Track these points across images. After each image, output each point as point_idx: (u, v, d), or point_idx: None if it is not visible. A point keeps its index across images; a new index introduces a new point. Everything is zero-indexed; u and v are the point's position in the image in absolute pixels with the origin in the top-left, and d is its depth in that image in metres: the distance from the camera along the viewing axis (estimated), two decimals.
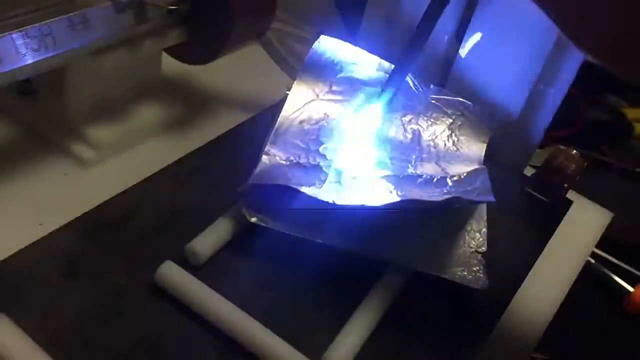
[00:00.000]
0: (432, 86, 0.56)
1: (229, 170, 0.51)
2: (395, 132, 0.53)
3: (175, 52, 0.57)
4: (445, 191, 0.48)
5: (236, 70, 0.62)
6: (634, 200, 0.80)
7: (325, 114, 0.53)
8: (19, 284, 0.41)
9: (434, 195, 0.47)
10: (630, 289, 0.72)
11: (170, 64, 0.58)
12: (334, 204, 0.46)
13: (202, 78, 0.63)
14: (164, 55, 0.57)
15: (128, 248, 0.45)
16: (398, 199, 0.47)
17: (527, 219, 0.56)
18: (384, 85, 0.52)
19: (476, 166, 0.51)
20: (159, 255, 0.43)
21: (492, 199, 0.46)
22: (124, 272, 0.43)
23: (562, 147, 0.56)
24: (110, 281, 0.43)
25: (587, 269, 0.57)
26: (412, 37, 0.50)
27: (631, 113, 0.88)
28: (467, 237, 0.48)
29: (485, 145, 0.53)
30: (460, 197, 0.47)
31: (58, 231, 0.45)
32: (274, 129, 0.51)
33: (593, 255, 0.74)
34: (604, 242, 0.61)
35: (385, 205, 0.46)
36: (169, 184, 0.51)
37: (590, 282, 0.73)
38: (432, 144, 0.53)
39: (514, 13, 0.49)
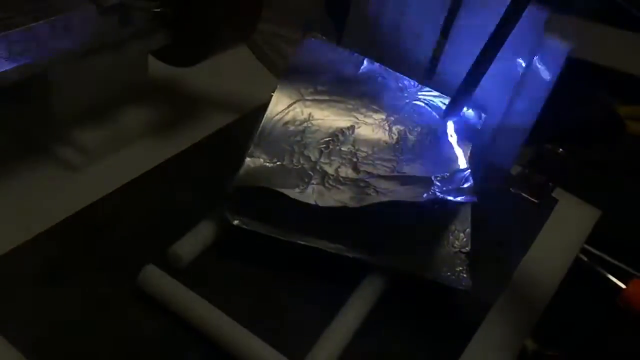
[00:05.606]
0: (417, 85, 0.56)
1: (213, 172, 0.51)
2: (380, 133, 0.53)
3: (161, 54, 0.57)
4: (429, 192, 0.48)
5: (222, 72, 0.62)
6: (626, 197, 0.80)
7: (310, 114, 0.53)
8: (1, 289, 0.41)
9: (418, 195, 0.47)
10: (623, 285, 0.72)
11: (156, 66, 0.58)
12: (316, 205, 0.46)
13: (188, 80, 0.63)
14: (150, 57, 0.57)
15: (110, 252, 0.45)
16: (381, 199, 0.47)
17: (512, 218, 0.56)
18: (455, 97, 0.53)
19: (460, 166, 0.51)
20: (141, 259, 0.43)
21: (474, 199, 0.46)
22: (107, 276, 0.43)
23: (548, 145, 0.56)
24: (93, 285, 0.43)
25: (579, 266, 0.57)
26: (486, 45, 0.49)
27: (623, 110, 0.88)
28: (451, 237, 0.48)
29: (470, 145, 0.53)
30: (443, 198, 0.47)
31: (41, 235, 0.45)
32: (258, 131, 0.51)
33: (586, 253, 0.73)
34: (596, 240, 0.61)
35: (367, 206, 0.46)
36: (153, 187, 0.51)
37: (583, 279, 0.73)
38: (417, 144, 0.53)
39: (498, 12, 0.49)
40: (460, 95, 0.52)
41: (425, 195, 0.47)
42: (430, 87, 0.57)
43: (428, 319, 0.46)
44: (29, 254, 0.44)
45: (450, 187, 0.48)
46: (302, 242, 0.46)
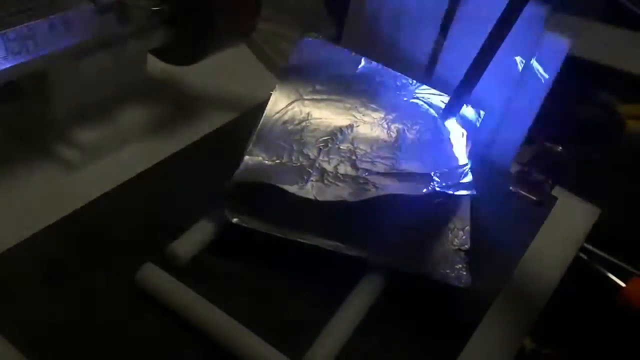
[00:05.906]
0: (416, 83, 0.56)
1: (212, 170, 0.51)
2: (379, 131, 0.53)
3: (160, 53, 0.57)
4: (428, 186, 0.48)
5: (221, 70, 0.62)
6: (627, 196, 0.80)
7: (308, 113, 0.53)
8: (0, 288, 0.41)
9: (417, 190, 0.47)
10: (623, 284, 0.72)
11: (155, 65, 0.57)
12: (315, 199, 0.46)
13: (187, 78, 0.63)
14: (149, 56, 0.57)
15: (109, 250, 0.45)
16: (380, 194, 0.47)
17: (512, 216, 0.56)
18: (454, 95, 0.53)
19: (460, 162, 0.51)
20: (140, 257, 0.43)
21: (474, 192, 0.46)
22: (105, 274, 0.43)
23: (547, 143, 0.56)
24: (92, 283, 0.43)
25: (579, 265, 0.57)
26: (485, 43, 0.49)
27: (623, 109, 0.88)
28: (450, 235, 0.48)
29: (469, 142, 0.53)
30: (441, 191, 0.47)
31: (39, 234, 0.45)
32: (257, 130, 0.51)
33: (585, 251, 0.73)
34: (595, 238, 0.61)
35: (366, 200, 0.46)
36: (152, 186, 0.51)
37: (582, 278, 0.73)
38: (416, 141, 0.53)
39: (497, 9, 0.49)
40: (459, 93, 0.52)
41: (424, 189, 0.47)
42: (429, 86, 0.57)
43: (427, 318, 0.46)
44: (28, 252, 0.44)
45: (449, 182, 0.48)
46: (301, 240, 0.46)
